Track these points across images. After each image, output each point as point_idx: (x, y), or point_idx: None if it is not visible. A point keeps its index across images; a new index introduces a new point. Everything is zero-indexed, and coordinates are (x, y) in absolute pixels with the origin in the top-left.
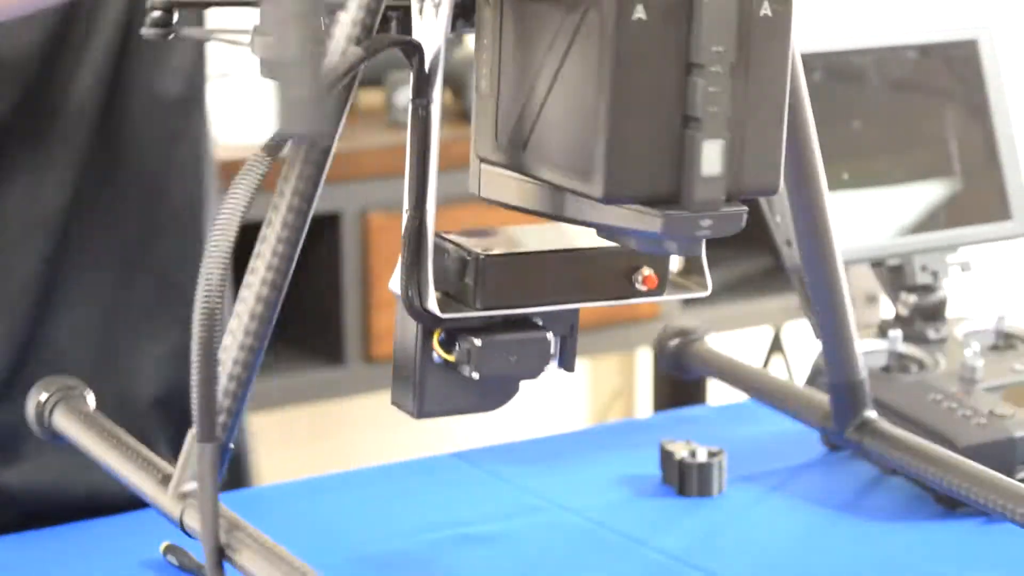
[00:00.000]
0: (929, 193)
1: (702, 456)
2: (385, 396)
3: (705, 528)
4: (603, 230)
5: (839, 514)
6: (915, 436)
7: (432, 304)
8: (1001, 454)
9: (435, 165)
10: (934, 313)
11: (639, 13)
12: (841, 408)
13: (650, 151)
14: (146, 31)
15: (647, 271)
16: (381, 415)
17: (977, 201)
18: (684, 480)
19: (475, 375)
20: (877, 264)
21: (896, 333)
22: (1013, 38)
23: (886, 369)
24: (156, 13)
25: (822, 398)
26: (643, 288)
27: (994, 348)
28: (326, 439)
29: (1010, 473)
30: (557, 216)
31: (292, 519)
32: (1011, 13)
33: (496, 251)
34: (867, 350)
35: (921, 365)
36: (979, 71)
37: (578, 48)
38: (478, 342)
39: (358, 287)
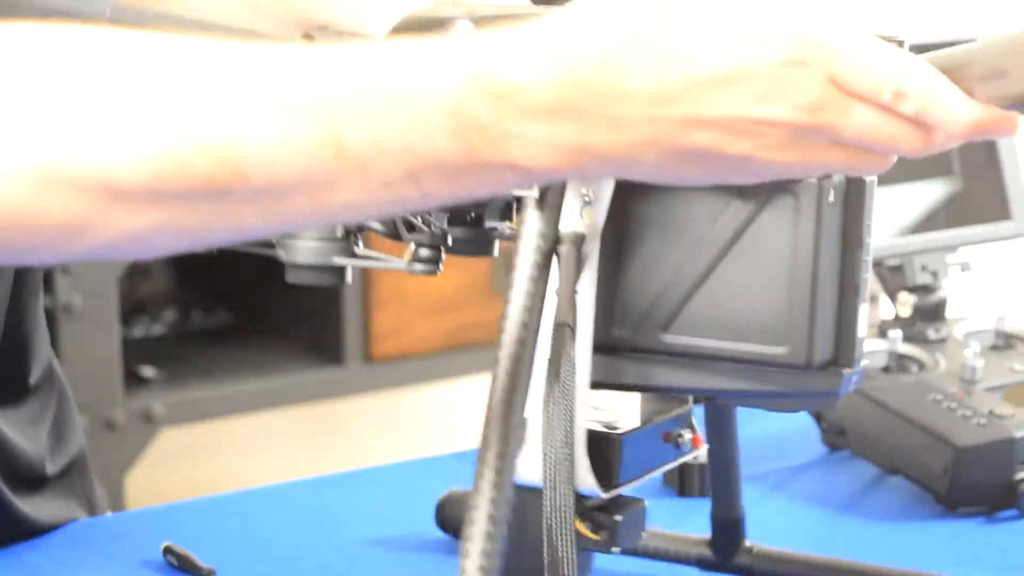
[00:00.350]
0: (929, 193)
1: (703, 456)
2: (385, 396)
3: (705, 528)
4: (752, 395)
5: (839, 514)
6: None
7: (590, 485)
8: (1001, 454)
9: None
10: (934, 313)
11: (831, 197)
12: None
13: (827, 318)
14: None
15: (691, 433)
16: (381, 415)
17: (977, 201)
18: (685, 480)
19: (615, 550)
20: (877, 264)
21: (896, 333)
22: None
23: (886, 369)
24: None
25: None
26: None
27: (994, 348)
28: (326, 439)
29: (1010, 473)
30: (703, 390)
31: (292, 519)
32: (1011, 13)
33: (626, 427)
34: (867, 350)
35: (921, 365)
36: None
37: (763, 227)
38: (619, 518)
39: (358, 287)
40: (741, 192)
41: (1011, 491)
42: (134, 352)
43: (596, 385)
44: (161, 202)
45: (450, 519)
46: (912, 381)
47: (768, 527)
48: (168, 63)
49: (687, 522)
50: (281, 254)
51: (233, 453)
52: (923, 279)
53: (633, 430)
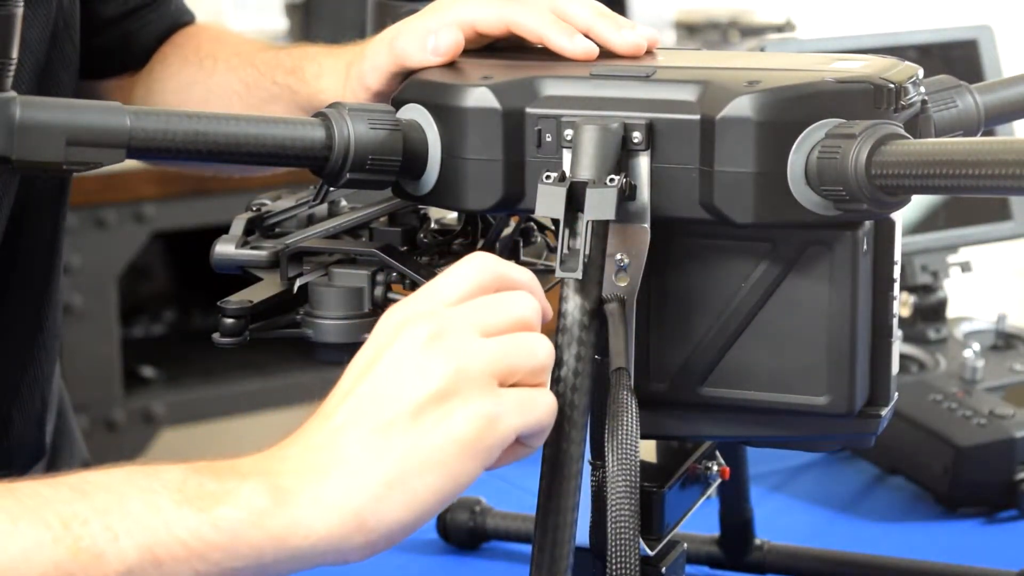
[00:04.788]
0: None
1: None
2: None
3: (706, 529)
4: (791, 440)
5: (839, 514)
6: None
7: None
8: (1001, 454)
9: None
10: (934, 313)
11: (865, 246)
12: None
13: (864, 363)
14: None
15: (717, 465)
16: None
17: (977, 201)
18: None
19: None
20: None
21: (896, 333)
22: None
23: None
24: None
25: None
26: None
27: (994, 348)
28: None
29: (1010, 473)
30: (743, 438)
31: None
32: (1011, 13)
33: (660, 483)
34: None
35: (921, 365)
36: (979, 71)
37: (797, 281)
38: (664, 569)
39: None
40: (773, 249)
41: (1011, 491)
42: (134, 352)
43: (653, 437)
44: None
45: (451, 527)
46: (912, 381)
47: (770, 527)
48: None
49: (690, 522)
50: (309, 333)
51: (232, 453)
52: (923, 279)
53: (672, 483)
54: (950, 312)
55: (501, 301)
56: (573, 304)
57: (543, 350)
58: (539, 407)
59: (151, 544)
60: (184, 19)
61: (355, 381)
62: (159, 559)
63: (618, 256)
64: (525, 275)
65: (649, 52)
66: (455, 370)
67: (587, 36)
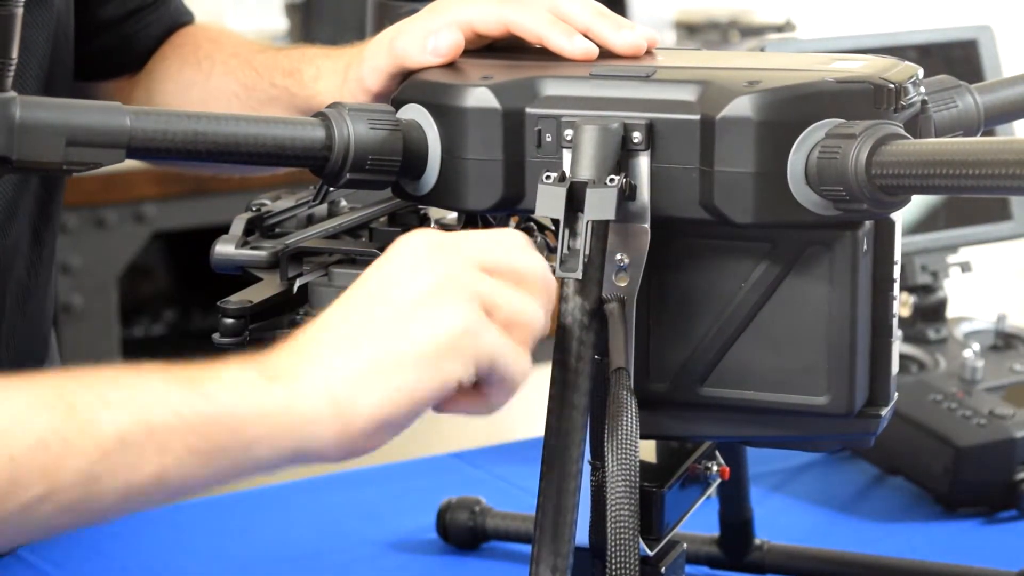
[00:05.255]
0: None
1: None
2: None
3: (706, 529)
4: (791, 440)
5: (839, 514)
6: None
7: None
8: (1001, 454)
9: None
10: (934, 313)
11: (865, 246)
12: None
13: (864, 363)
14: None
15: (716, 465)
16: None
17: (977, 201)
18: None
19: None
20: None
21: (896, 333)
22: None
23: None
24: None
25: None
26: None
27: (994, 348)
28: None
29: (1010, 473)
30: (743, 438)
31: (293, 518)
32: (1011, 13)
33: (660, 483)
34: None
35: (921, 365)
36: (979, 71)
37: (797, 281)
38: (664, 569)
39: None
40: (773, 249)
41: (1011, 491)
42: (134, 352)
43: (652, 437)
44: None
45: (451, 527)
46: (912, 381)
47: (770, 527)
48: None
49: (690, 522)
50: None
51: None
52: (923, 279)
53: (672, 483)
54: (950, 312)
55: (513, 254)
56: (573, 304)
57: (535, 311)
58: (516, 357)
59: (144, 412)
60: (183, 19)
61: (352, 288)
62: (152, 426)
63: (618, 256)
64: (547, 270)
65: (649, 52)
66: (445, 276)
67: (586, 36)
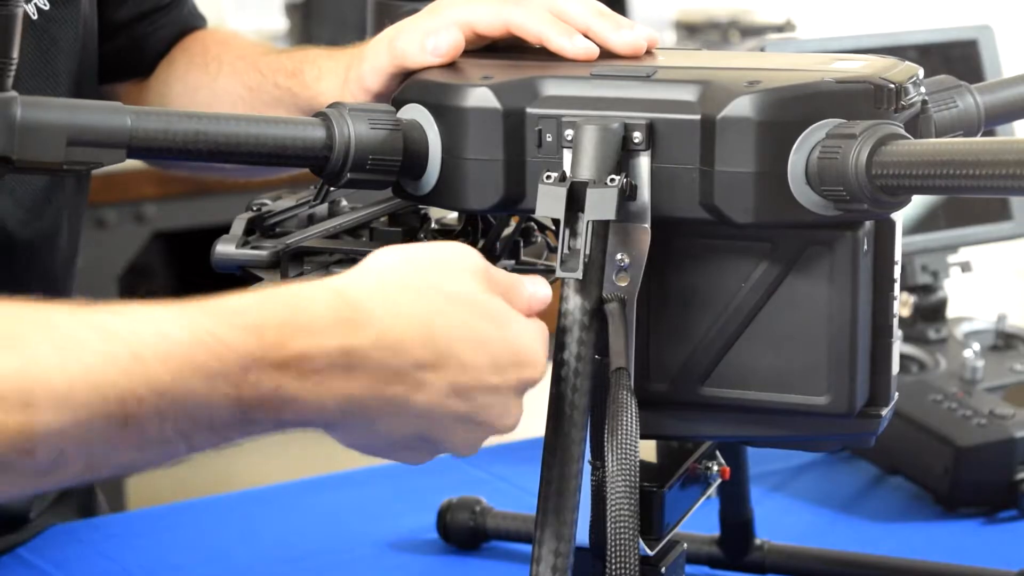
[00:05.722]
0: None
1: None
2: None
3: (706, 529)
4: (791, 439)
5: (839, 514)
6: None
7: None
8: (1001, 454)
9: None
10: (934, 313)
11: (865, 246)
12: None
13: (864, 363)
14: None
15: (717, 464)
16: None
17: (977, 201)
18: None
19: None
20: None
21: (896, 333)
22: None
23: None
24: None
25: None
26: (717, 478)
27: (994, 348)
28: (326, 439)
29: (1010, 473)
30: (743, 438)
31: (293, 518)
32: (1011, 13)
33: (660, 483)
34: None
35: (921, 365)
36: (979, 71)
37: (797, 281)
38: (664, 569)
39: None
40: (773, 249)
41: (1011, 491)
42: None
43: (653, 437)
44: None
45: (451, 527)
46: (912, 381)
47: (770, 527)
48: None
49: (690, 522)
50: None
51: (233, 453)
52: (923, 279)
53: (672, 483)
54: (950, 312)
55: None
56: (573, 304)
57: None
58: (505, 425)
59: (188, 431)
60: (195, 23)
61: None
62: (191, 440)
63: (618, 256)
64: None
65: (649, 52)
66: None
67: (586, 36)
